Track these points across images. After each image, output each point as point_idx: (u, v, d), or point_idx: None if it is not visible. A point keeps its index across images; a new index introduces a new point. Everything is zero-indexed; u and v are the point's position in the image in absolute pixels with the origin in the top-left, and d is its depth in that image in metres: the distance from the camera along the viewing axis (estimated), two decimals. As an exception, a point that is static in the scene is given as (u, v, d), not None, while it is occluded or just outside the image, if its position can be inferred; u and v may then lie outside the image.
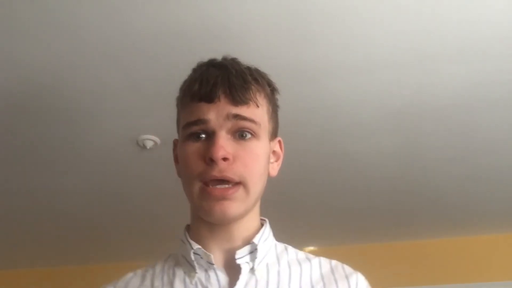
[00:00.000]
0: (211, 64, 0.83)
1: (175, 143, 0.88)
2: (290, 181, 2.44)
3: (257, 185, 0.81)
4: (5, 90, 1.76)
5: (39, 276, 3.74)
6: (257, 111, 0.79)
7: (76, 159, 2.23)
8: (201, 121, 0.77)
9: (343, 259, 0.96)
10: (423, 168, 2.33)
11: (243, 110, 0.77)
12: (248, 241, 0.81)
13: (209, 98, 0.77)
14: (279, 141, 0.89)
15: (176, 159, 0.86)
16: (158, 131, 2.03)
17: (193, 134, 0.78)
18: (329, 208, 2.74)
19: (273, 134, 0.85)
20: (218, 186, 0.76)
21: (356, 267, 0.95)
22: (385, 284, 3.15)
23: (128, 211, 2.78)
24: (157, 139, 2.07)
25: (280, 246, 0.89)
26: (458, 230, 3.08)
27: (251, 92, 0.79)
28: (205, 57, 1.60)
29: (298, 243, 3.53)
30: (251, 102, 0.78)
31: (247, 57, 1.61)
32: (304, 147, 2.14)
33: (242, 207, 0.79)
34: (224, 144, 0.75)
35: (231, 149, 0.76)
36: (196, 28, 1.48)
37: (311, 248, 3.36)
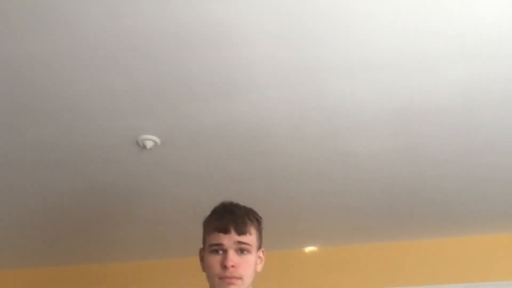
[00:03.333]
0: (226, 210, 1.41)
1: (201, 250, 1.45)
2: (290, 181, 2.45)
3: (249, 278, 1.38)
4: (5, 90, 1.77)
5: (39, 276, 3.74)
6: (250, 237, 1.38)
7: (76, 159, 2.23)
8: (219, 244, 1.36)
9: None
10: (423, 168, 2.33)
11: (242, 238, 1.36)
12: None
13: (225, 231, 1.36)
14: (262, 251, 1.47)
15: (201, 259, 1.44)
16: (158, 131, 2.03)
17: (215, 250, 1.37)
18: (329, 208, 2.74)
19: (259, 247, 1.44)
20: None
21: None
22: (385, 284, 3.15)
23: (128, 211, 2.78)
24: (157, 139, 2.07)
25: None
26: (458, 230, 3.08)
27: (247, 227, 1.38)
28: (205, 57, 1.61)
29: (298, 243, 3.55)
30: (247, 233, 1.37)
31: (248, 56, 1.62)
32: (304, 146, 2.14)
33: None
34: (233, 257, 1.35)
35: (236, 260, 1.35)
36: (196, 28, 1.49)
37: (311, 248, 3.36)
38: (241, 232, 1.35)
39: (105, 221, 2.92)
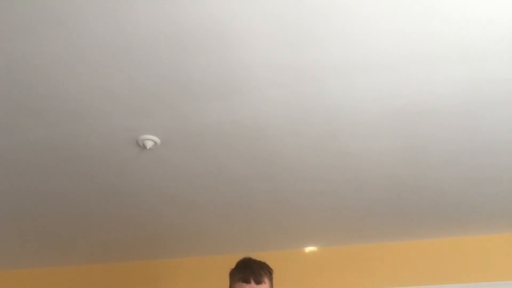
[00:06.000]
0: (246, 265, 1.83)
1: None
2: (289, 181, 2.45)
3: None
4: (5, 91, 1.77)
5: (40, 276, 3.75)
6: (265, 286, 1.78)
7: (76, 159, 2.23)
8: None
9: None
10: (423, 168, 2.33)
11: (259, 286, 1.76)
12: None
13: (246, 281, 1.77)
14: None
15: None
16: (158, 131, 2.03)
17: None
18: (329, 208, 2.75)
19: None
20: None
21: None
22: (385, 284, 3.15)
23: (128, 211, 2.79)
24: (157, 139, 2.07)
25: None
26: (458, 230, 3.08)
27: (263, 277, 1.78)
28: (205, 58, 1.61)
29: (298, 243, 3.54)
30: (263, 283, 1.78)
31: (247, 57, 1.62)
32: (304, 146, 2.14)
33: None
34: None
35: None
36: (196, 28, 1.49)
37: (311, 248, 3.37)
38: (258, 282, 1.78)
39: (105, 221, 2.92)
